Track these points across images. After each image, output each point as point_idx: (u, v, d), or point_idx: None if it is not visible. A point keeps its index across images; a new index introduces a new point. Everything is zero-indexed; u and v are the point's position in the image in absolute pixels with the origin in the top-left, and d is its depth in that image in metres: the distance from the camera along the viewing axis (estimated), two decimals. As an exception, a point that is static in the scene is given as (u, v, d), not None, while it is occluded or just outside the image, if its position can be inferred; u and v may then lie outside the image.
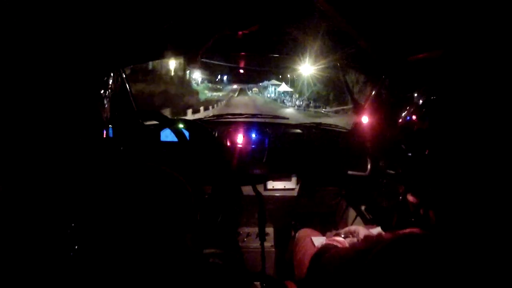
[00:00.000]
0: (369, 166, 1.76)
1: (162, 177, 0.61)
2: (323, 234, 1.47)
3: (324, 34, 1.23)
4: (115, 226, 0.54)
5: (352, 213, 2.04)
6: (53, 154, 0.64)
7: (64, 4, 0.77)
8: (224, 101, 22.16)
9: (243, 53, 1.57)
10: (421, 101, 0.89)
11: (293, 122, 2.19)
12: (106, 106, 1.20)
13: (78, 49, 0.92)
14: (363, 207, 1.89)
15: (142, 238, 0.55)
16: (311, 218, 2.11)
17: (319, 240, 1.30)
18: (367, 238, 0.84)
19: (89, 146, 0.78)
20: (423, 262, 0.56)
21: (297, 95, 22.10)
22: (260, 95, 31.13)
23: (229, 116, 2.01)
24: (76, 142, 0.74)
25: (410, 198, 0.75)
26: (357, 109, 1.69)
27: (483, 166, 0.57)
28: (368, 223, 1.73)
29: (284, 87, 25.98)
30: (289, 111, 16.88)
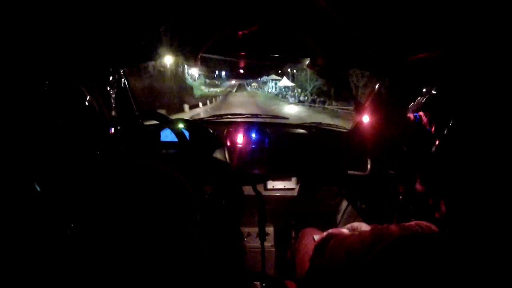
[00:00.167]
0: (369, 166, 1.76)
1: (162, 177, 0.61)
2: None
3: (324, 34, 1.23)
4: (115, 226, 0.54)
5: (352, 213, 2.04)
6: (53, 154, 0.64)
7: (65, 4, 0.77)
8: (220, 98, 20.93)
9: (243, 53, 1.57)
10: (423, 100, 0.89)
11: (293, 122, 2.19)
12: (106, 106, 1.20)
13: (78, 49, 0.92)
14: (363, 207, 1.89)
15: (142, 238, 0.55)
16: (311, 218, 2.11)
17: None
18: (374, 230, 0.82)
19: (89, 146, 0.78)
20: (430, 259, 0.56)
21: (299, 90, 21.30)
22: (260, 90, 30.25)
23: (229, 116, 2.02)
24: (76, 142, 0.74)
25: (418, 187, 0.73)
26: (358, 109, 1.69)
27: (492, 161, 0.56)
28: (368, 223, 1.73)
29: (285, 82, 24.98)
30: (294, 108, 16.03)
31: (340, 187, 2.07)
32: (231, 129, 1.74)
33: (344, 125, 2.04)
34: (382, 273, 0.59)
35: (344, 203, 2.14)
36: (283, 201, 1.94)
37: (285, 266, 1.58)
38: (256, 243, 1.82)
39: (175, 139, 1.57)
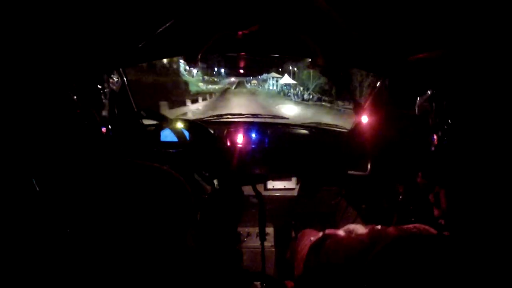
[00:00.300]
0: (369, 166, 1.76)
1: (162, 177, 0.61)
2: None
3: (324, 34, 1.23)
4: (115, 226, 0.54)
5: (352, 213, 2.04)
6: (53, 154, 0.64)
7: (65, 3, 0.76)
8: (217, 95, 19.16)
9: (243, 53, 1.57)
10: (425, 98, 0.89)
11: (293, 122, 2.20)
12: (106, 106, 1.20)
13: (78, 49, 0.92)
14: (363, 207, 1.89)
15: (141, 238, 0.55)
16: (311, 218, 2.12)
17: None
18: (372, 231, 0.82)
19: (89, 146, 0.78)
20: (429, 260, 0.56)
21: (301, 88, 20.57)
22: (260, 88, 29.32)
23: (229, 116, 2.02)
24: (76, 142, 0.73)
25: (420, 181, 0.73)
26: (357, 109, 1.69)
27: (496, 160, 0.56)
28: (368, 223, 1.73)
29: (286, 79, 24.35)
30: (300, 108, 15.07)
31: (340, 187, 2.08)
32: (231, 129, 1.74)
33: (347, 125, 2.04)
34: (382, 272, 0.59)
35: (344, 203, 2.14)
36: (283, 201, 1.94)
37: (285, 266, 1.58)
38: (256, 243, 1.82)
39: (175, 139, 1.57)
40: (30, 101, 0.63)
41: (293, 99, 19.68)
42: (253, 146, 1.72)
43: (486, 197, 0.57)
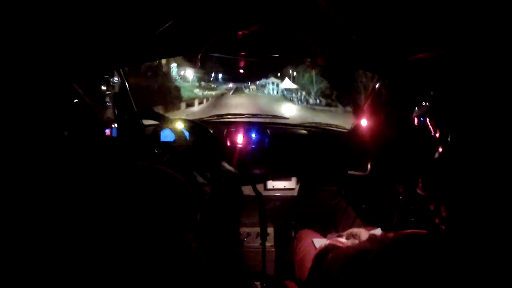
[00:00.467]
0: (369, 166, 1.76)
1: (163, 178, 0.61)
2: (324, 235, 1.48)
3: (324, 34, 1.23)
4: (114, 227, 0.54)
5: (352, 213, 2.04)
6: (53, 155, 0.64)
7: (65, 3, 0.76)
8: (212, 100, 18.14)
9: (242, 53, 1.56)
10: (427, 104, 0.89)
11: (293, 122, 2.19)
12: (106, 106, 1.20)
13: (78, 49, 0.92)
14: (363, 207, 1.89)
15: (142, 239, 0.55)
16: (311, 218, 2.12)
17: (320, 242, 1.30)
18: (371, 238, 0.84)
19: (88, 146, 0.78)
20: (424, 263, 0.56)
21: (303, 92, 19.90)
22: (260, 93, 29.49)
23: (229, 116, 2.02)
24: (76, 142, 0.73)
25: (420, 192, 0.74)
26: (357, 109, 1.70)
27: (496, 163, 0.56)
28: (368, 223, 1.73)
29: (287, 84, 23.38)
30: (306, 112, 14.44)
31: (340, 187, 2.07)
32: (231, 129, 1.74)
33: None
34: (380, 273, 0.59)
35: (344, 203, 2.14)
36: (283, 201, 1.94)
37: (285, 266, 1.58)
38: (256, 243, 1.82)
39: (175, 139, 1.57)
40: (31, 101, 0.63)
41: (296, 104, 19.30)
42: (253, 146, 1.72)
43: (487, 208, 0.57)
